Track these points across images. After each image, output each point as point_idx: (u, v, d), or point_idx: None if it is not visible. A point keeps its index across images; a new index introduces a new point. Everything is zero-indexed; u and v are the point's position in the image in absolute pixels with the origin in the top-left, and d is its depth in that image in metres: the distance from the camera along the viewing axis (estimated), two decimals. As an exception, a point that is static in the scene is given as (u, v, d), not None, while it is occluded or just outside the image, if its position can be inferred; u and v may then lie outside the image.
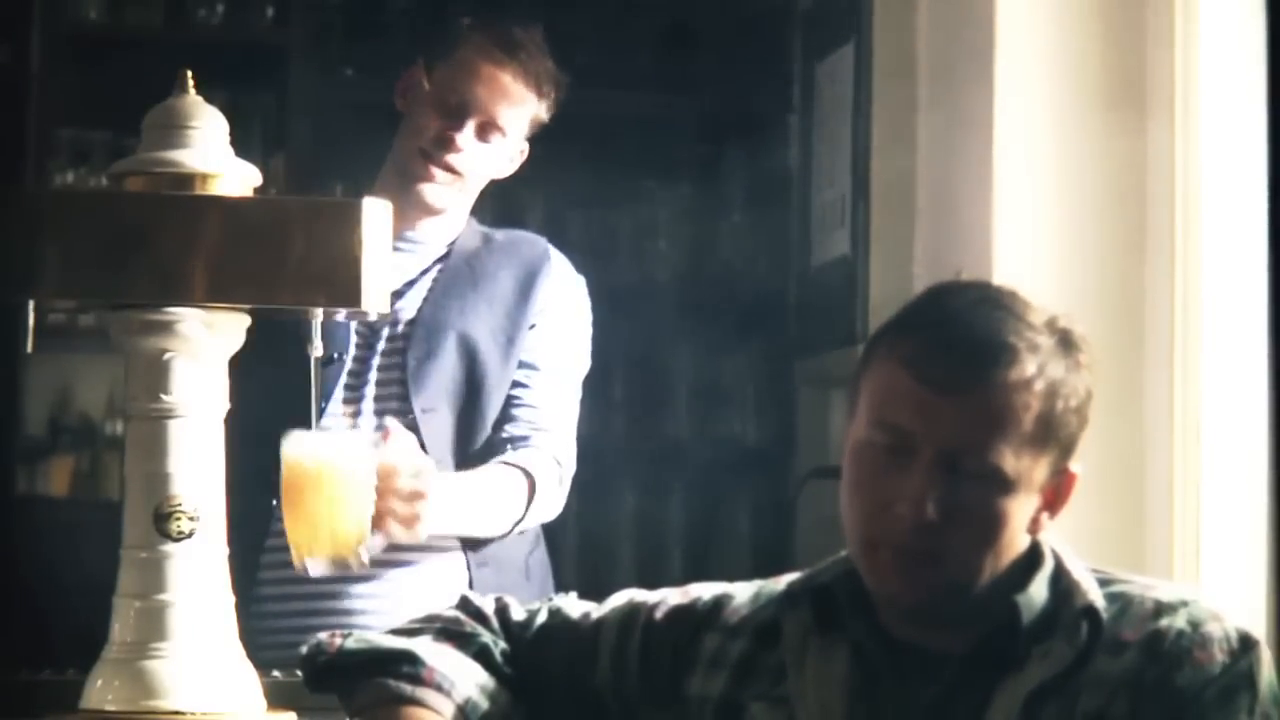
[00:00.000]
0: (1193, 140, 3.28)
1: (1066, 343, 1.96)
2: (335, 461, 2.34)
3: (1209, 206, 3.27)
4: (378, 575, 3.01)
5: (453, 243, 3.18)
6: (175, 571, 2.23)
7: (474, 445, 3.09)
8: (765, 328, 4.86)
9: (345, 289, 2.23)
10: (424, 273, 3.15)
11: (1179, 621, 1.94)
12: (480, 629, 2.14)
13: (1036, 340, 1.94)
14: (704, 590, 2.14)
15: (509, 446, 3.09)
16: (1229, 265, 3.27)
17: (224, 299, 2.24)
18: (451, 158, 3.10)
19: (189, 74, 2.30)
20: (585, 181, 4.81)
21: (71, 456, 4.87)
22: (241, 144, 2.33)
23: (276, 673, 2.44)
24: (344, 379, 3.06)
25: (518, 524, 3.07)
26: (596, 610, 2.16)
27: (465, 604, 2.18)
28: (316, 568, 2.41)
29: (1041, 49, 3.38)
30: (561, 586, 3.08)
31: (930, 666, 1.98)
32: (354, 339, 3.08)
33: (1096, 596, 1.97)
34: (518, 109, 3.13)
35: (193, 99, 2.29)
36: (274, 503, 3.01)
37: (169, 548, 2.23)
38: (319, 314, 2.27)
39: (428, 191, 3.10)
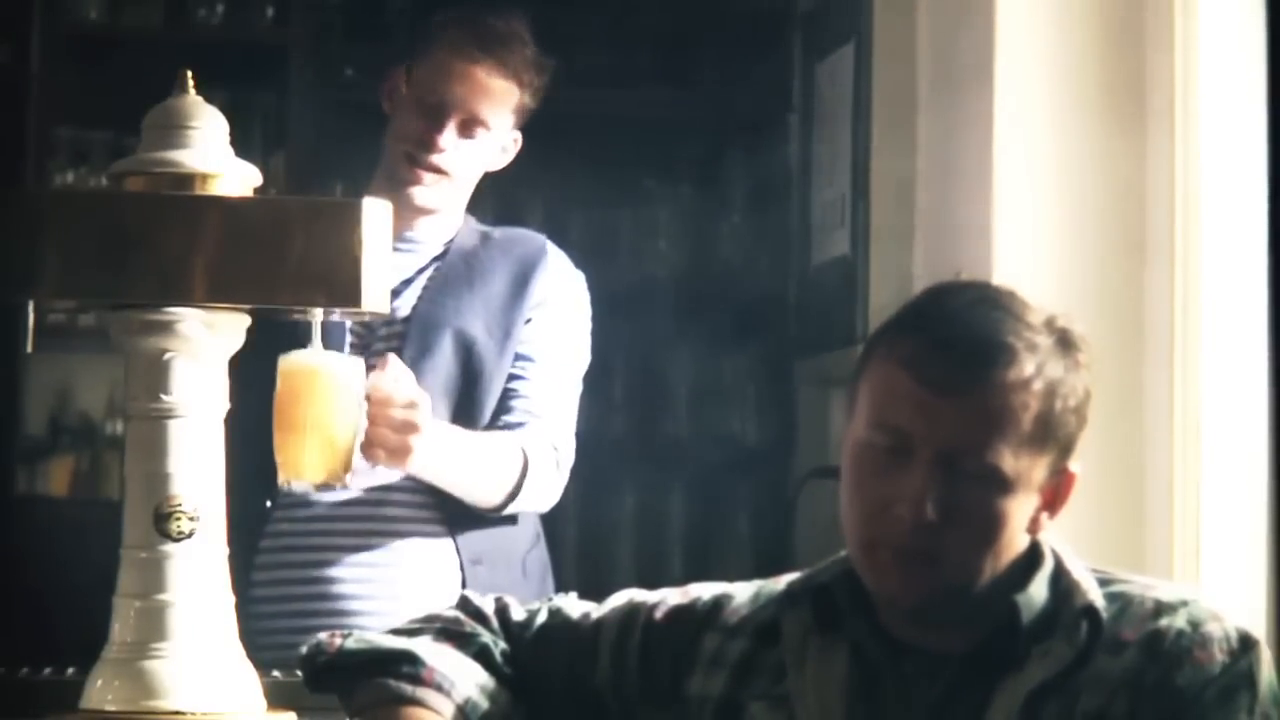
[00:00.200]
0: (1192, 140, 3.29)
1: (1065, 342, 1.96)
2: (327, 370, 2.34)
3: (1209, 206, 3.27)
4: (364, 569, 3.02)
5: (450, 241, 3.18)
6: (175, 571, 2.23)
7: None
8: (765, 328, 4.86)
9: (345, 289, 2.22)
10: (420, 271, 3.15)
11: (1179, 621, 1.94)
12: (480, 629, 2.14)
13: (1035, 340, 1.94)
14: (704, 590, 2.14)
15: (506, 431, 3.09)
16: (1229, 265, 3.27)
17: (224, 299, 2.24)
18: (436, 158, 3.10)
19: (189, 74, 2.30)
20: (585, 181, 4.81)
21: (71, 456, 4.87)
22: (241, 144, 2.33)
23: (276, 673, 2.45)
24: None
25: (511, 498, 3.06)
26: (596, 610, 2.16)
27: (465, 604, 2.18)
28: (301, 485, 2.41)
29: (1041, 49, 3.38)
30: (561, 586, 3.09)
31: (930, 666, 1.98)
32: (349, 338, 3.08)
33: (1096, 596, 1.97)
34: (498, 102, 3.12)
35: (193, 99, 2.29)
36: (268, 504, 3.03)
37: (169, 548, 2.22)
38: (319, 314, 2.27)
39: (416, 194, 3.11)
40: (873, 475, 1.95)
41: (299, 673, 2.17)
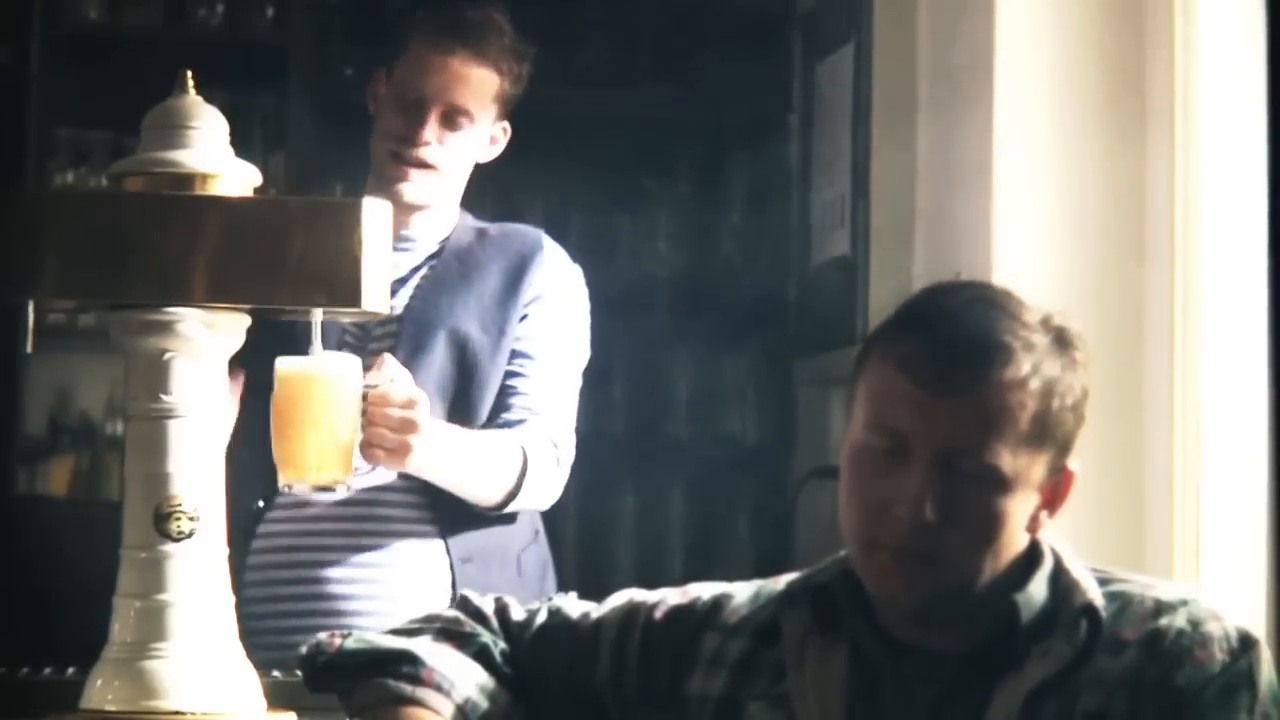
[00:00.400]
0: (1192, 139, 3.29)
1: (1062, 341, 1.96)
2: (324, 372, 2.35)
3: (1209, 206, 3.27)
4: (354, 569, 3.03)
5: (446, 239, 3.18)
6: (175, 571, 2.23)
7: None
8: (765, 328, 4.86)
9: (345, 289, 2.23)
10: (415, 270, 3.15)
11: (1179, 620, 1.94)
12: (480, 629, 2.14)
13: (1031, 339, 1.94)
14: (703, 590, 2.14)
15: (505, 429, 3.09)
16: (1229, 265, 3.27)
17: (224, 299, 2.24)
18: (420, 152, 3.10)
19: (189, 74, 2.30)
20: (585, 181, 4.81)
21: (71, 456, 4.87)
22: (241, 144, 2.33)
23: (276, 673, 2.45)
24: None
25: (511, 496, 3.06)
26: (596, 610, 2.16)
27: (465, 604, 2.18)
28: (302, 487, 2.41)
29: (1041, 49, 3.38)
30: (561, 586, 3.09)
31: (930, 666, 1.98)
32: (346, 336, 3.07)
33: (1096, 595, 1.97)
34: (478, 91, 3.12)
35: (193, 99, 2.29)
36: (259, 504, 3.03)
37: (169, 548, 2.23)
38: (319, 314, 2.27)
39: (405, 191, 3.10)
40: (871, 476, 1.95)
41: (299, 673, 2.17)
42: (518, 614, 2.16)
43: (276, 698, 2.32)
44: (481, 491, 3.05)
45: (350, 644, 2.12)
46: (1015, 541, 1.96)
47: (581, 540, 4.71)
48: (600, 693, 2.11)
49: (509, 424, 3.09)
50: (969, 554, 1.94)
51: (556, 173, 4.68)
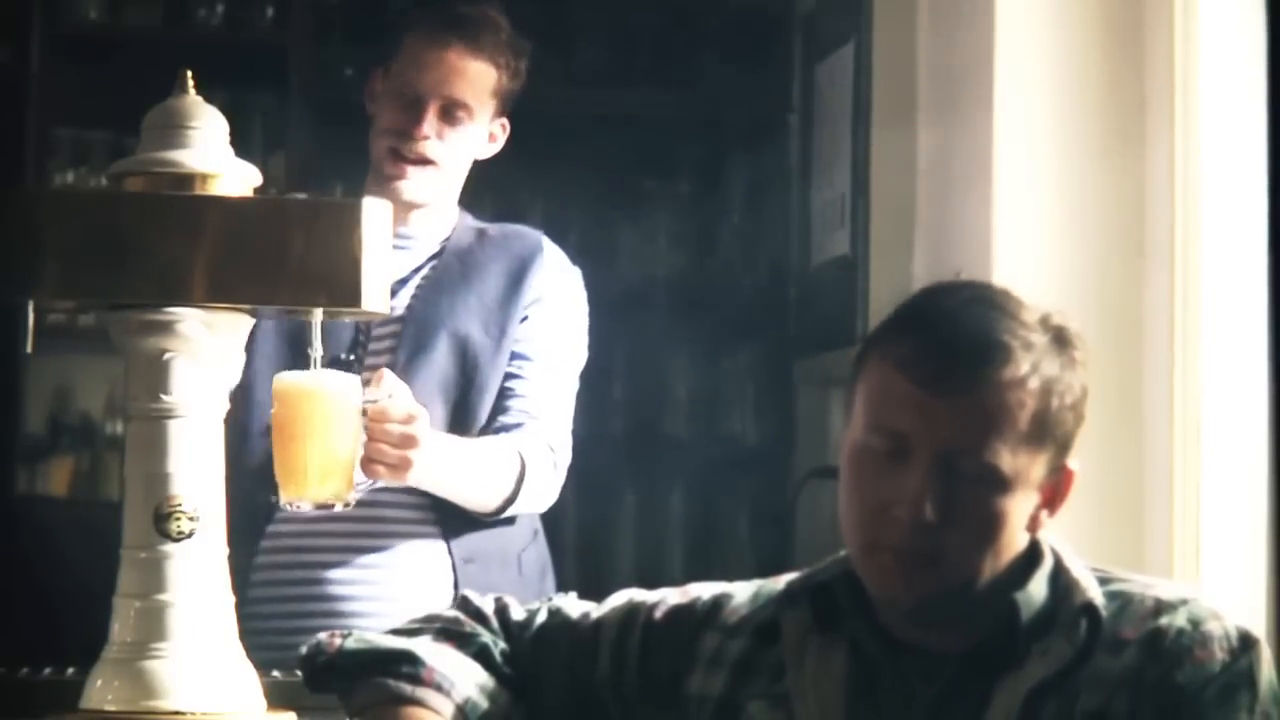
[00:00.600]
0: (1192, 139, 3.28)
1: (1061, 340, 1.96)
2: (324, 389, 2.34)
3: (1209, 206, 3.27)
4: (358, 570, 3.03)
5: (447, 239, 3.18)
6: (175, 571, 2.23)
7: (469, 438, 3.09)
8: (765, 328, 4.86)
9: (345, 289, 2.23)
10: (416, 270, 3.14)
11: (1179, 620, 1.94)
12: (480, 629, 2.14)
13: (1030, 338, 1.94)
14: (703, 590, 2.14)
15: (502, 434, 3.09)
16: (1229, 265, 3.27)
17: (224, 299, 2.24)
18: (420, 147, 3.10)
19: (189, 74, 2.30)
20: (585, 182, 4.81)
21: (71, 456, 4.87)
22: (241, 144, 2.33)
23: (276, 673, 2.44)
24: None
25: (509, 502, 3.06)
26: (596, 610, 2.16)
27: (465, 604, 2.18)
28: (304, 505, 2.41)
29: (1041, 49, 3.38)
30: (561, 586, 3.09)
31: (930, 665, 1.98)
32: (360, 337, 3.08)
33: (1096, 594, 1.97)
34: (475, 85, 3.12)
35: (193, 99, 2.29)
36: (271, 499, 3.03)
37: (169, 548, 2.23)
38: (319, 314, 2.27)
39: (403, 188, 3.10)
40: (871, 477, 1.95)
41: (299, 673, 2.17)
42: (518, 614, 2.16)
43: (276, 698, 2.32)
44: (480, 499, 3.05)
45: (350, 644, 2.12)
46: (1015, 541, 1.96)
47: (581, 540, 4.72)
48: (600, 692, 2.11)
49: (506, 427, 3.09)
50: (969, 554, 1.94)
51: (556, 173, 4.67)
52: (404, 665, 2.08)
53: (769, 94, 4.88)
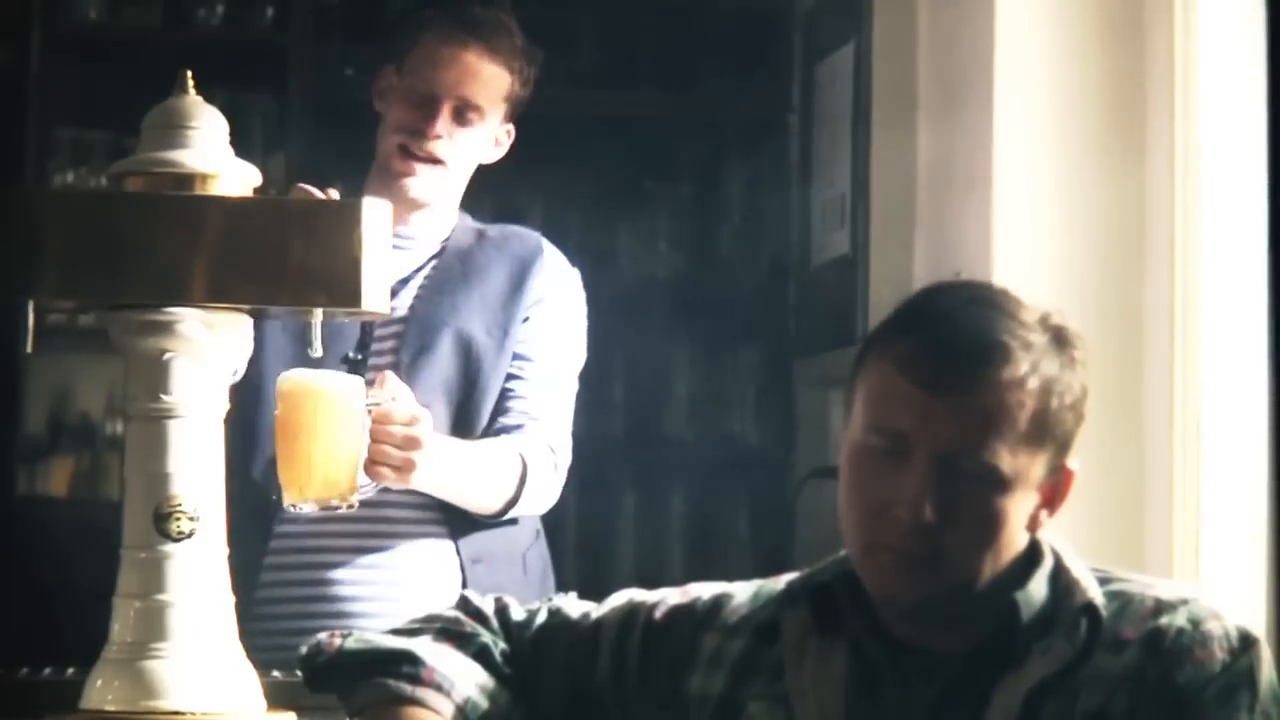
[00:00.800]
0: (1192, 139, 3.29)
1: (1060, 339, 1.96)
2: (328, 391, 2.34)
3: (1208, 206, 3.27)
4: (366, 570, 3.03)
5: (447, 239, 3.18)
6: (175, 571, 2.23)
7: (471, 439, 3.09)
8: (765, 328, 4.86)
9: (345, 289, 2.22)
10: (417, 270, 3.15)
11: (1179, 619, 1.94)
12: (480, 629, 2.14)
13: (1029, 338, 1.94)
14: (703, 590, 2.15)
15: (503, 436, 3.09)
16: (1229, 266, 3.27)
17: (224, 299, 2.24)
18: (431, 146, 3.10)
19: (189, 74, 2.30)
20: (585, 182, 4.81)
21: (71, 456, 4.87)
22: (241, 144, 2.33)
23: (276, 673, 2.44)
24: None
25: (510, 504, 3.06)
26: (596, 610, 2.16)
27: (465, 604, 2.18)
28: (307, 507, 2.41)
29: (1041, 49, 3.38)
30: (561, 585, 3.09)
31: (930, 665, 1.98)
32: (367, 337, 3.08)
33: (1096, 594, 1.97)
34: (490, 87, 3.12)
35: (192, 99, 2.29)
36: (273, 498, 3.04)
37: (169, 548, 2.22)
38: (319, 314, 2.27)
39: (410, 185, 3.10)
40: (871, 478, 1.95)
41: (299, 673, 2.17)
42: (518, 614, 2.16)
43: (276, 698, 2.32)
44: (482, 500, 3.06)
45: (350, 644, 2.12)
46: (1015, 541, 1.96)
47: (581, 540, 4.71)
48: (600, 692, 2.12)
49: (507, 429, 3.09)
50: (969, 554, 1.94)
51: (556, 173, 4.67)
52: (404, 665, 2.08)
53: (769, 94, 4.88)
